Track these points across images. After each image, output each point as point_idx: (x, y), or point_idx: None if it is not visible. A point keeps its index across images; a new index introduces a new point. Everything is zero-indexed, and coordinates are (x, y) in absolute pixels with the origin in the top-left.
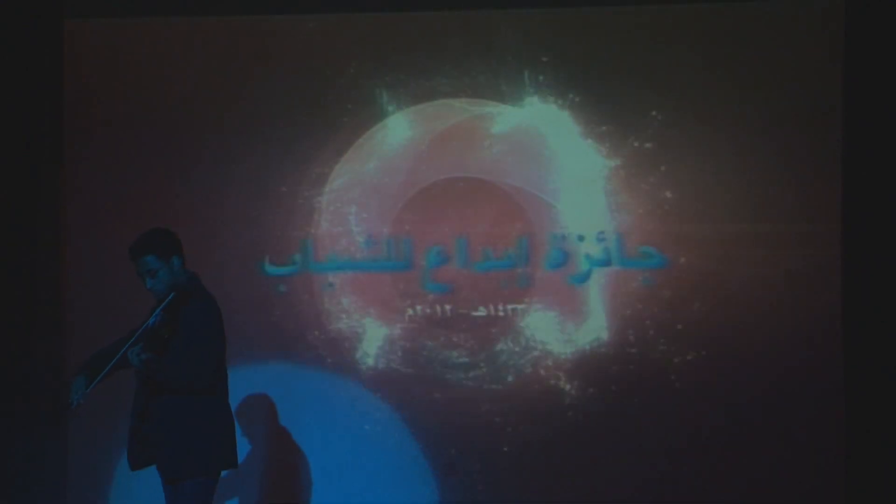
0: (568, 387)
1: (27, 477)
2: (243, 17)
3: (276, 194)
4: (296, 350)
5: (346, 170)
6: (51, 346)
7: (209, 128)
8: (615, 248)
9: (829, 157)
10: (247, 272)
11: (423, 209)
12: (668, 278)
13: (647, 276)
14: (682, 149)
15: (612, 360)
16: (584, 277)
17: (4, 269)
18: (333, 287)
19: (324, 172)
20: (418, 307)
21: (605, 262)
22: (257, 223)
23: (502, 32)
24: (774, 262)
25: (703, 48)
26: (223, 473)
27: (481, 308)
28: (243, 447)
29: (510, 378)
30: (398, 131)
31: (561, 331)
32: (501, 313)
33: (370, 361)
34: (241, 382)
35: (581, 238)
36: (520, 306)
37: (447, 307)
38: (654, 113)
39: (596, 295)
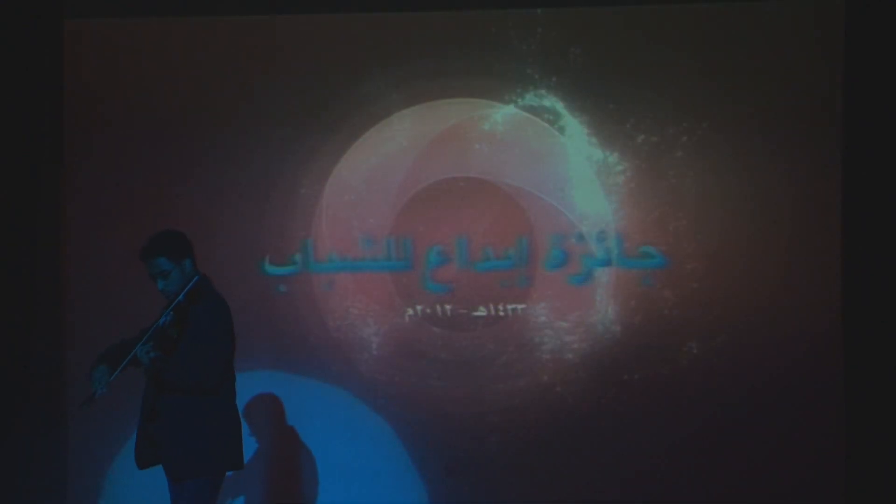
0: (568, 387)
1: (27, 477)
2: (243, 17)
3: (276, 194)
4: (296, 350)
5: (347, 170)
6: (51, 346)
7: (209, 128)
8: (615, 248)
9: (829, 157)
10: (247, 272)
11: (423, 209)
12: (668, 278)
13: (647, 276)
14: (683, 149)
15: (612, 360)
16: (585, 277)
17: (4, 269)
18: (333, 287)
19: (324, 172)
20: (418, 307)
21: (605, 262)
22: (257, 223)
23: (502, 32)
24: (774, 262)
25: (703, 48)
26: (228, 474)
27: (481, 308)
28: (249, 446)
29: (510, 378)
30: (398, 131)
31: (561, 331)
32: (501, 313)
33: (370, 361)
34: (241, 382)
35: (581, 238)
36: (520, 306)
37: (447, 307)
38: (654, 113)
39: (596, 295)
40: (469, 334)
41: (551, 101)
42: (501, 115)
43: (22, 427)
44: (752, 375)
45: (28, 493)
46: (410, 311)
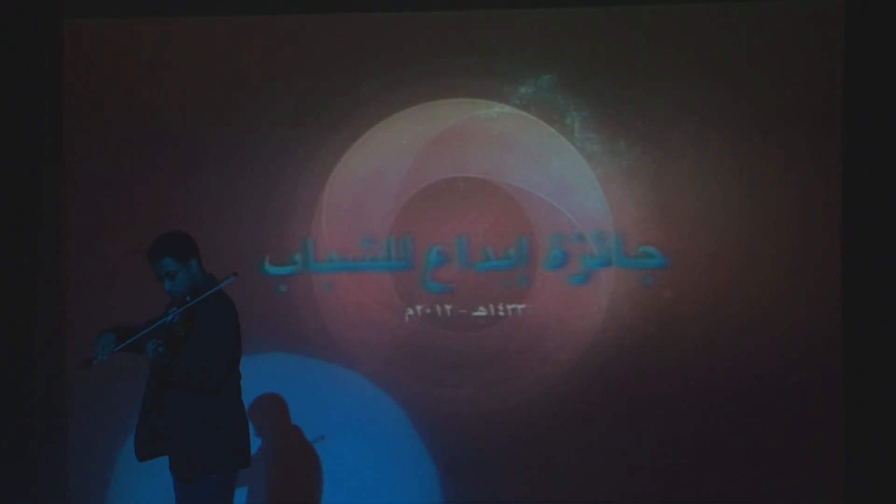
0: (568, 387)
1: (27, 477)
2: (243, 17)
3: (276, 194)
4: (296, 350)
5: (346, 170)
6: (51, 346)
7: (209, 128)
8: (615, 248)
9: (829, 157)
10: (247, 272)
11: (423, 209)
12: (668, 278)
13: (647, 276)
14: (683, 149)
15: (613, 360)
16: (585, 277)
17: (5, 269)
18: (333, 287)
19: (324, 172)
20: (418, 307)
21: (605, 262)
22: (257, 223)
23: (502, 32)
24: (774, 262)
25: (704, 48)
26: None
27: (481, 308)
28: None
29: (510, 378)
30: (398, 131)
31: (561, 331)
32: (501, 313)
33: (370, 361)
34: (242, 382)
35: (581, 238)
36: (520, 306)
37: (447, 307)
38: (654, 113)
39: (596, 295)
40: (469, 334)
41: (551, 101)
42: (501, 114)
43: (22, 427)
44: (752, 375)
45: (28, 493)
46: (410, 311)
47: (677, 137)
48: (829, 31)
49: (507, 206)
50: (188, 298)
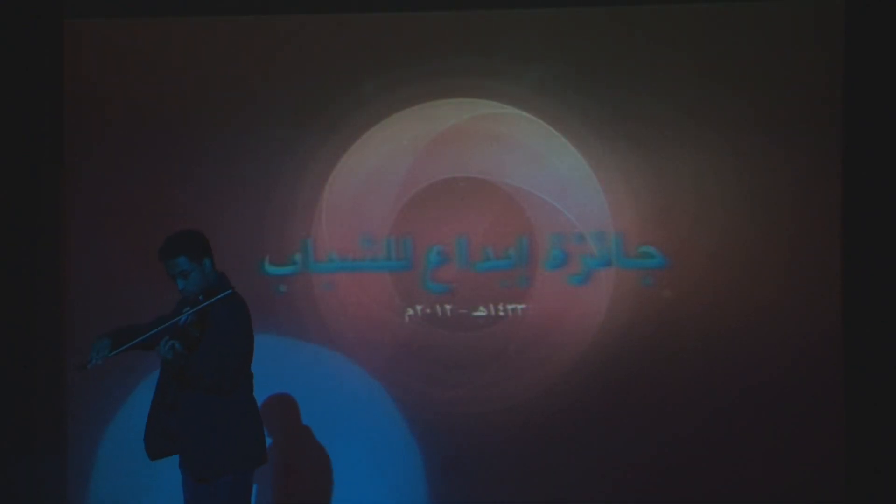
0: (568, 387)
1: (27, 477)
2: (243, 17)
3: (276, 194)
4: (295, 350)
5: (346, 170)
6: (51, 346)
7: (209, 128)
8: (615, 248)
9: (829, 157)
10: (247, 272)
11: (423, 209)
12: (668, 278)
13: (647, 276)
14: (683, 149)
15: (612, 360)
16: (585, 277)
17: (5, 269)
18: (333, 287)
19: (324, 172)
20: (418, 307)
21: (605, 262)
22: (257, 223)
23: (502, 32)
24: (774, 262)
25: (703, 48)
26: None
27: (481, 308)
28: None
29: (510, 378)
30: (398, 131)
31: (561, 331)
32: (501, 313)
33: (370, 361)
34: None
35: (581, 238)
36: (520, 306)
37: (447, 307)
38: (654, 113)
39: (596, 295)
40: (469, 334)
41: (551, 101)
42: (501, 114)
43: (22, 427)
44: (752, 375)
45: (28, 493)
46: (410, 311)
47: (677, 137)
48: (829, 31)
49: (507, 206)
50: (201, 298)
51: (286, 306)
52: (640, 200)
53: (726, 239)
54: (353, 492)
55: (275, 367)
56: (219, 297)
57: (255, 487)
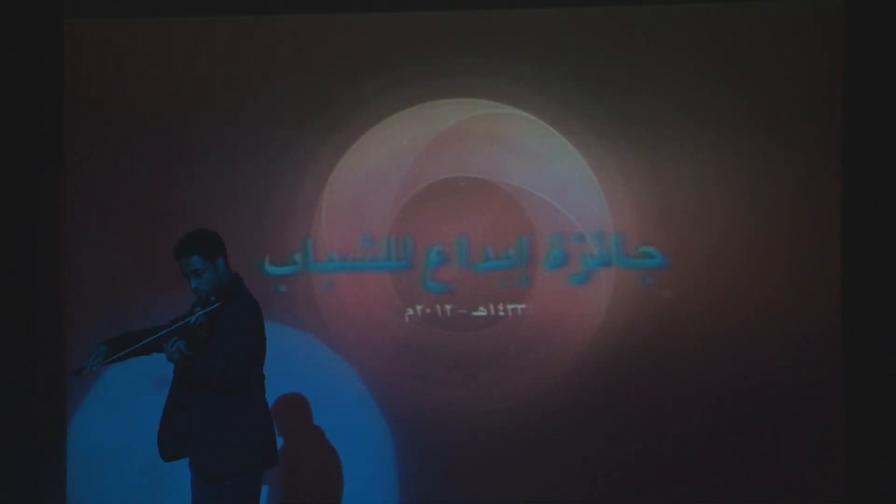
0: (568, 387)
1: (27, 477)
2: (243, 17)
3: (276, 194)
4: (295, 350)
5: (346, 170)
6: (51, 346)
7: (209, 128)
8: (615, 248)
9: (829, 157)
10: (247, 272)
11: (423, 209)
12: (668, 278)
13: (647, 276)
14: (683, 148)
15: (612, 360)
16: (585, 277)
17: (5, 269)
18: (333, 287)
19: (324, 172)
20: (418, 307)
21: (605, 262)
22: (257, 223)
23: (502, 32)
24: (774, 262)
25: (703, 48)
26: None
27: (481, 308)
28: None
29: (510, 378)
30: (398, 131)
31: (561, 331)
32: (501, 313)
33: (370, 362)
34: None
35: (581, 238)
36: (520, 306)
37: (447, 307)
38: (654, 113)
39: (596, 295)
40: (469, 334)
41: (551, 101)
42: (501, 114)
43: (22, 427)
44: (752, 375)
45: (28, 493)
46: (410, 311)
47: (677, 137)
48: (829, 31)
49: (507, 206)
50: (213, 299)
51: (286, 306)
52: (640, 200)
53: (726, 239)
54: (352, 493)
55: (275, 366)
56: (213, 307)
57: (265, 489)
